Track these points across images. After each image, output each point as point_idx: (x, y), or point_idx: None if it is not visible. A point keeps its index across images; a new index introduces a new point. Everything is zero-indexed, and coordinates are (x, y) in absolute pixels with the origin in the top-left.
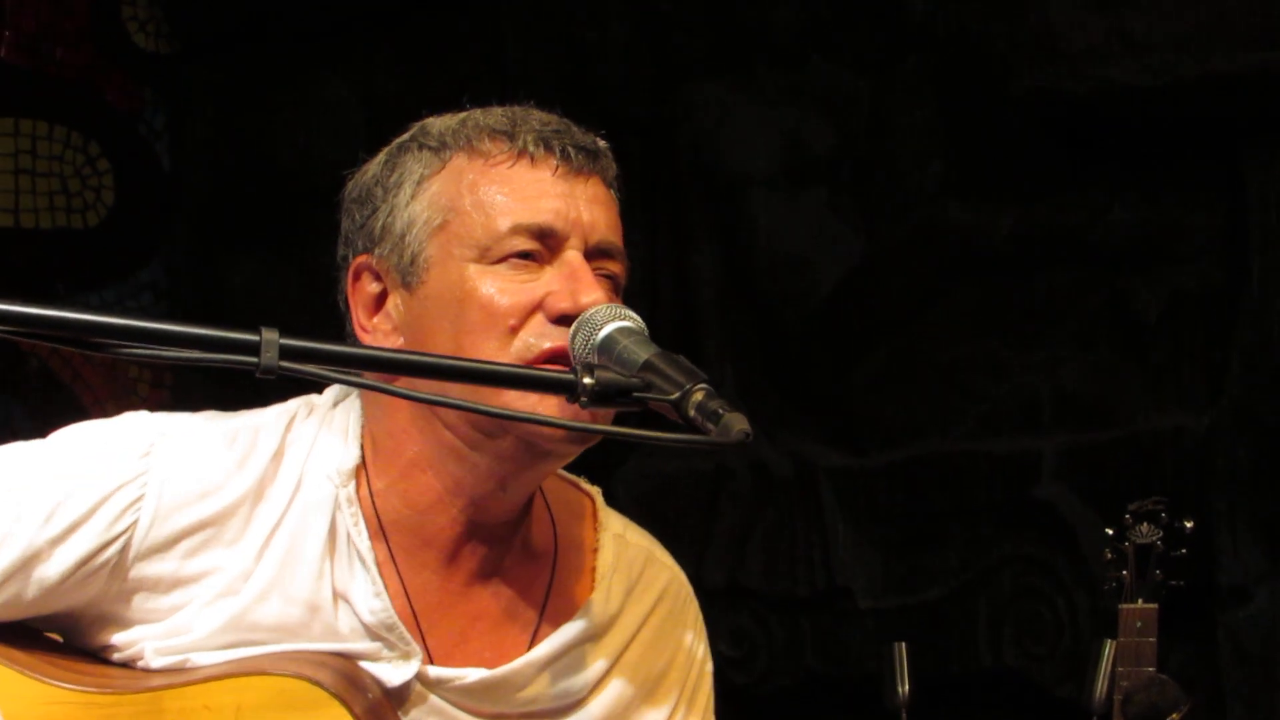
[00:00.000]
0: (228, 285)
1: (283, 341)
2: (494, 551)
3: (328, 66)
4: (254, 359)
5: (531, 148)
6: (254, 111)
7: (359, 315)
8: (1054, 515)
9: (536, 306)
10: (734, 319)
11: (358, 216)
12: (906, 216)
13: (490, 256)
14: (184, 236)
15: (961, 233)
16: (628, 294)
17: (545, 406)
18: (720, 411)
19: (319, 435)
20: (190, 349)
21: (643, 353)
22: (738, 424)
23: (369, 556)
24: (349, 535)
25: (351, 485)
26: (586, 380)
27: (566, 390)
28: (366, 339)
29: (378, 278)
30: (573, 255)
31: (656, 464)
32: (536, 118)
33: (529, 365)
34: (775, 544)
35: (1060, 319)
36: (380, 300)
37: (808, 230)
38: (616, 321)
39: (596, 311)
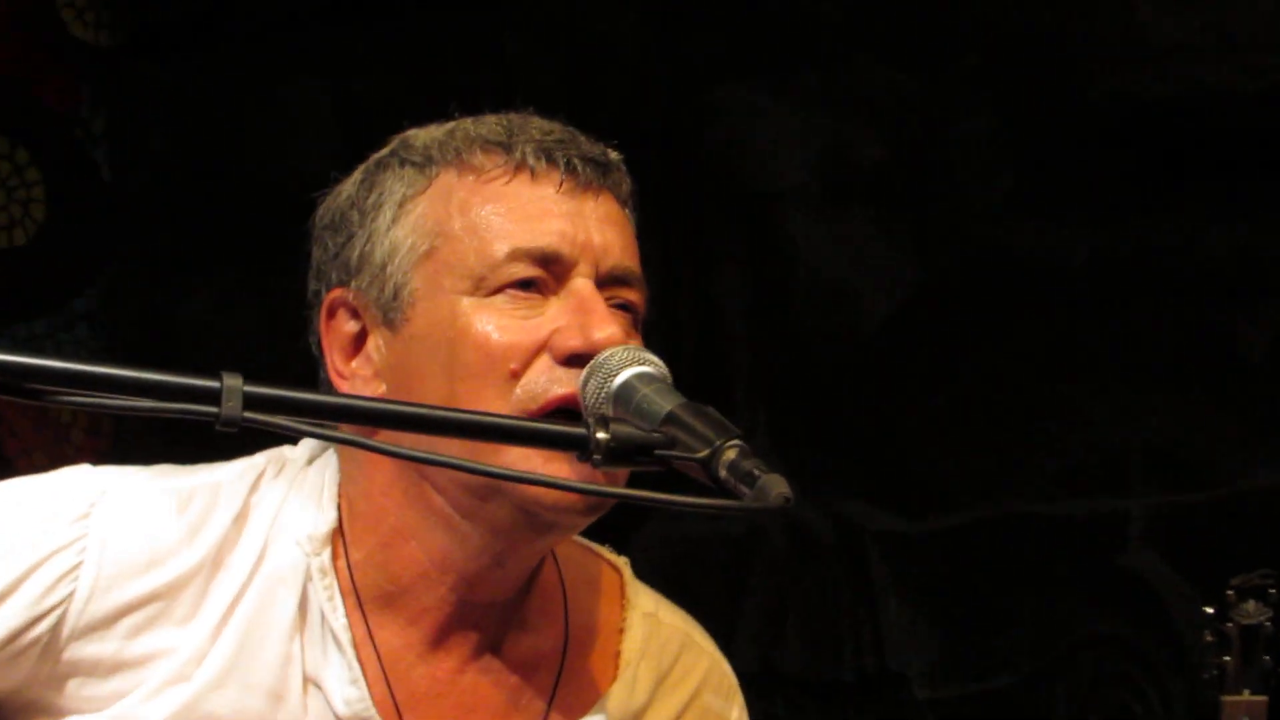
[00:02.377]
0: (179, 318)
1: (247, 389)
2: (491, 632)
3: (298, 64)
4: (213, 409)
5: (531, 160)
6: (211, 115)
7: (334, 359)
8: (1143, 589)
9: (541, 346)
10: (766, 358)
11: (330, 245)
12: (968, 239)
13: (486, 287)
14: (126, 259)
15: (1032, 259)
16: (642, 331)
17: (552, 468)
18: (756, 473)
19: (289, 496)
20: (138, 397)
21: (666, 403)
22: (776, 487)
23: (344, 636)
24: (322, 611)
25: (326, 554)
26: (600, 435)
27: (577, 447)
28: (344, 386)
29: (355, 315)
30: (582, 284)
31: (679, 528)
32: (536, 126)
33: (533, 417)
34: (816, 621)
35: (1148, 359)
36: (359, 341)
37: (852, 255)
38: (635, 366)
39: (611, 354)
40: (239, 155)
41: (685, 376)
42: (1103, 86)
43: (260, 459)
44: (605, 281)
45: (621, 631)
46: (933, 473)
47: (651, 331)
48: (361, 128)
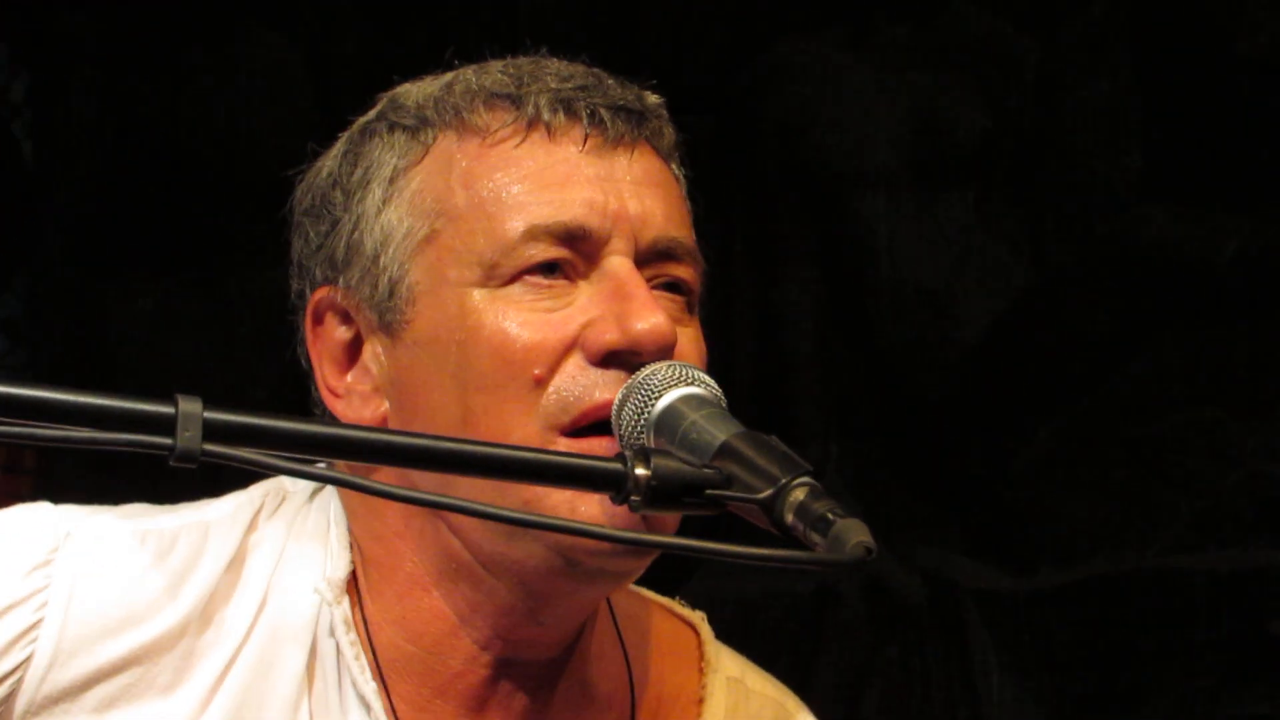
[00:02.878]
0: (117, 326)
1: (208, 415)
2: (536, 702)
3: (260, 15)
4: (166, 440)
5: (547, 115)
6: (157, 78)
7: (325, 373)
8: None
9: (571, 344)
10: (841, 376)
11: (313, 235)
12: (1090, 231)
13: (500, 275)
14: (54, 256)
15: (1169, 254)
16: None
17: (586, 506)
18: (831, 517)
19: (290, 536)
20: (72, 425)
21: (719, 432)
22: (855, 535)
23: (376, 703)
24: (341, 674)
25: (346, 603)
26: (640, 472)
27: (611, 486)
28: (338, 406)
29: (347, 318)
30: (617, 263)
31: (733, 584)
32: (551, 72)
33: (568, 432)
34: (901, 695)
35: None
36: (354, 349)
37: (948, 250)
38: (682, 387)
39: (654, 371)
40: (189, 129)
41: (742, 399)
42: (1254, 39)
43: (256, 493)
44: (647, 257)
45: (700, 701)
46: (1044, 519)
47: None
48: (341, 93)
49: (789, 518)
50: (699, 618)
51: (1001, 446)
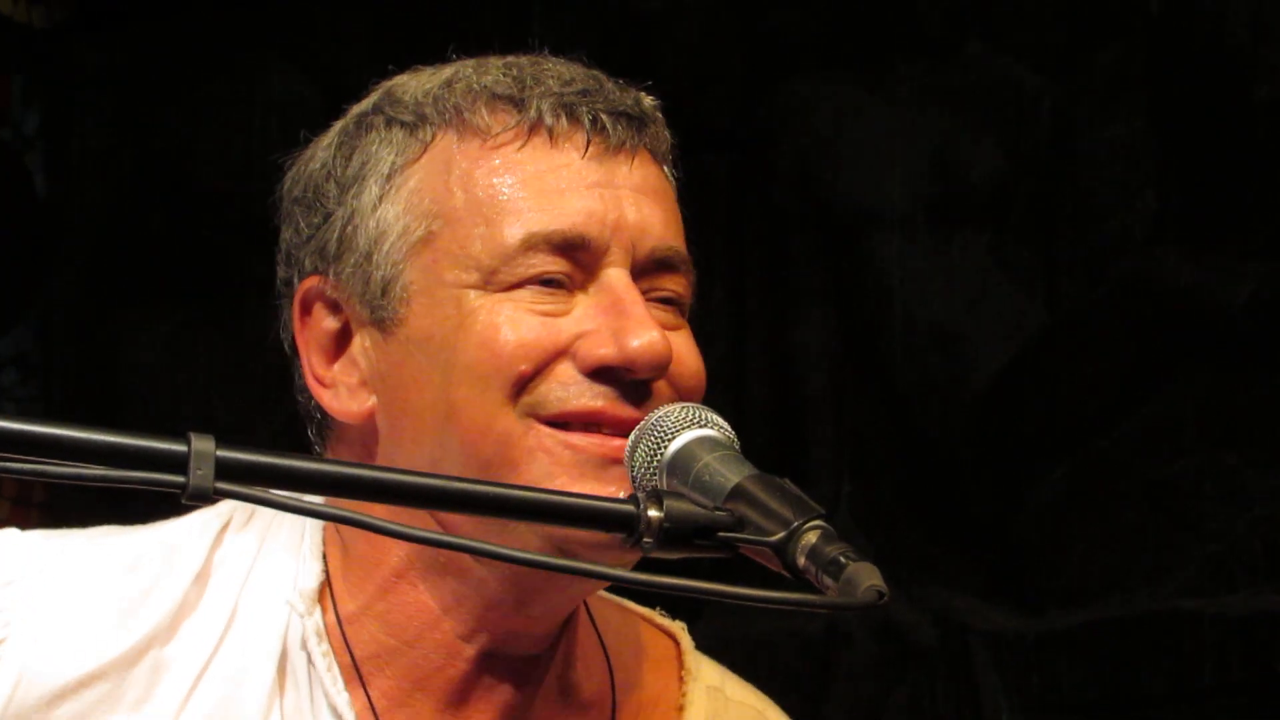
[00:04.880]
0: (129, 359)
1: (220, 453)
2: (518, 697)
3: (277, 49)
4: (179, 478)
5: (549, 119)
6: (169, 112)
7: (312, 362)
8: None
9: (563, 350)
10: (854, 416)
11: (303, 225)
12: (1105, 273)
13: (499, 282)
14: (66, 289)
15: (1183, 298)
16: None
17: (575, 485)
18: (843, 560)
19: (262, 549)
20: (84, 463)
21: (732, 474)
22: (868, 578)
23: (349, 714)
24: (313, 685)
25: (318, 613)
26: (652, 514)
27: (623, 527)
28: (325, 396)
29: (335, 308)
30: (615, 276)
31: (742, 625)
32: (553, 74)
33: (546, 421)
34: None
35: None
36: (341, 339)
37: (962, 290)
38: (695, 429)
39: (666, 413)
40: (202, 163)
41: (755, 437)
42: (1273, 83)
43: (224, 507)
44: (645, 268)
45: (681, 709)
46: (1055, 561)
47: (715, 384)
48: None
49: (801, 560)
50: (679, 627)
51: (1013, 488)
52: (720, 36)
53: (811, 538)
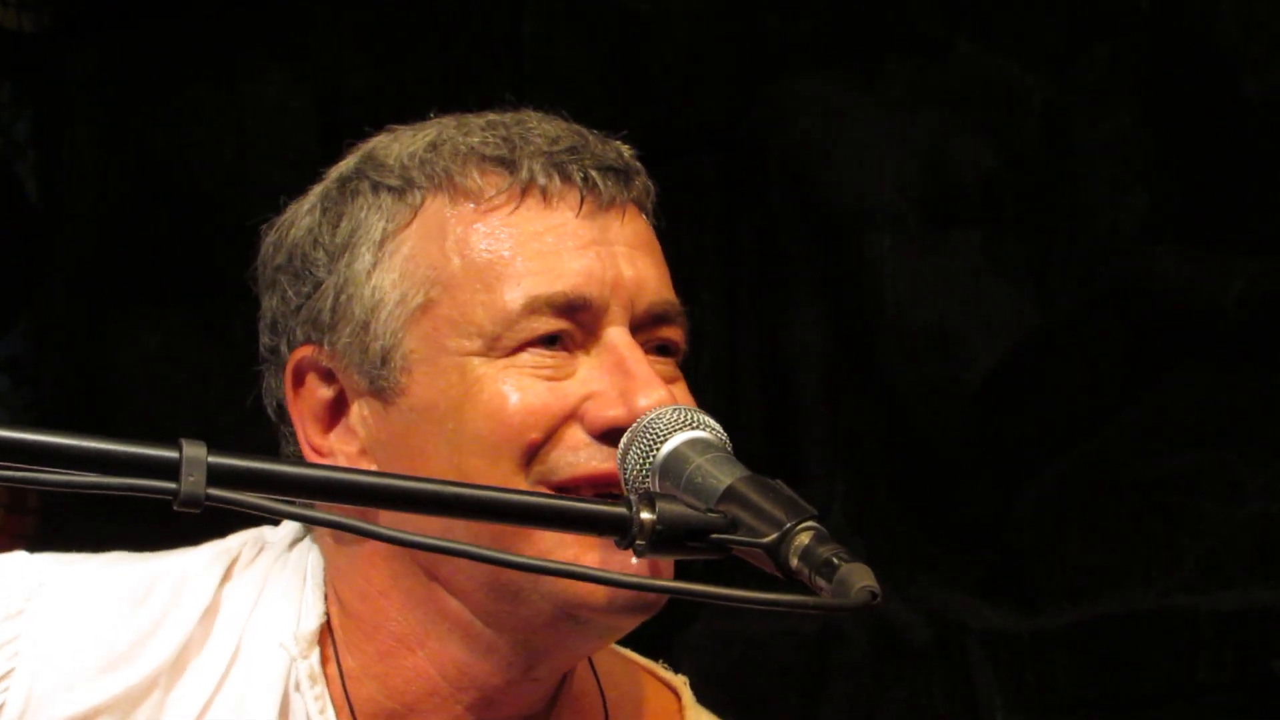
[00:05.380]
0: (121, 364)
1: (212, 460)
2: None
3: (269, 55)
4: (171, 485)
5: (542, 179)
6: (161, 117)
7: (308, 432)
8: None
9: (570, 414)
10: (847, 416)
11: (291, 293)
12: (1097, 271)
13: (502, 347)
14: (58, 295)
15: (1176, 295)
16: (695, 382)
17: (586, 556)
18: (836, 561)
19: (266, 588)
20: (76, 470)
21: (724, 476)
22: (861, 579)
23: None
24: None
25: (315, 656)
26: (645, 516)
27: (616, 530)
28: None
29: (329, 378)
30: (617, 335)
31: (737, 625)
32: (539, 132)
33: (563, 488)
34: None
35: None
36: (336, 408)
37: (955, 289)
38: (686, 431)
39: (658, 415)
40: (193, 168)
41: (748, 440)
42: (1262, 80)
43: (234, 542)
44: (643, 323)
45: None
46: (1049, 559)
47: (707, 385)
48: (346, 133)
49: (794, 562)
50: (680, 681)
51: (1007, 486)
52: (712, 37)
53: (804, 539)
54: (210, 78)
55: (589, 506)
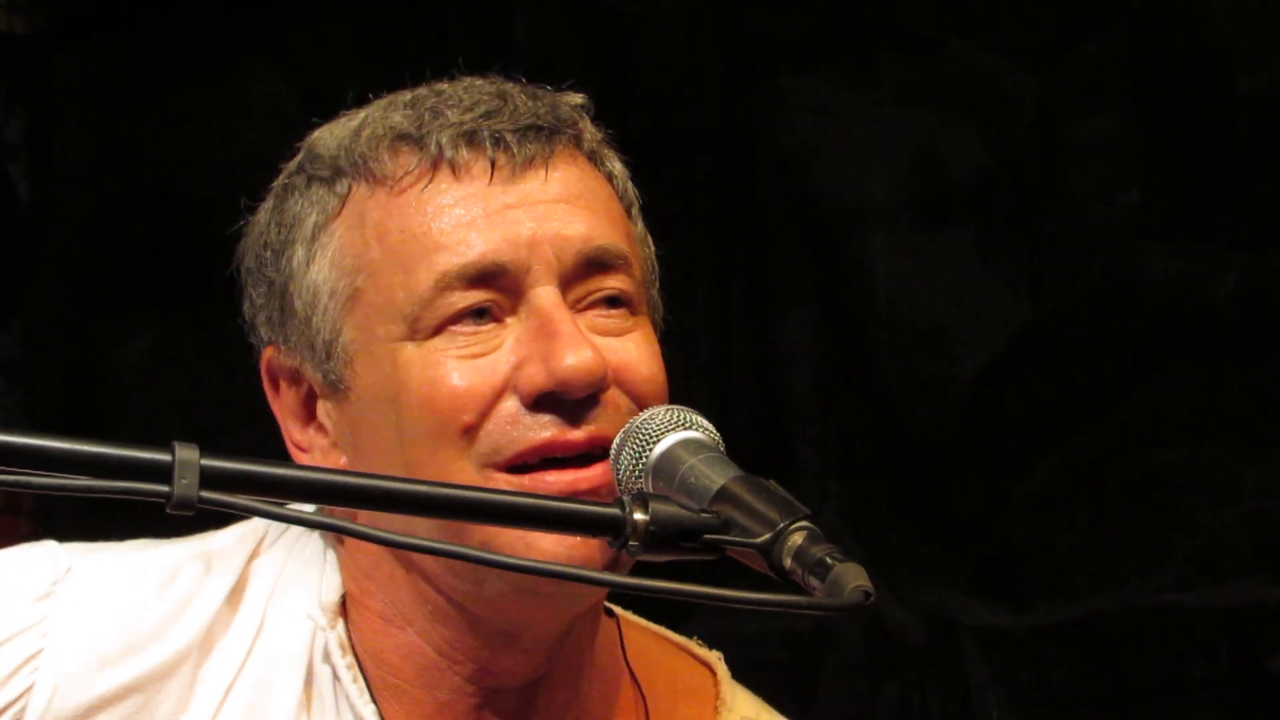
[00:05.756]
0: (114, 365)
1: (205, 462)
2: (531, 716)
3: (256, 54)
4: (164, 487)
5: (450, 152)
6: (152, 118)
7: (290, 429)
8: None
9: (503, 388)
10: (840, 414)
11: (255, 295)
12: (1088, 268)
13: (424, 328)
14: (49, 297)
15: (1167, 291)
16: (688, 380)
17: (543, 544)
18: (829, 561)
19: (288, 563)
20: (69, 474)
21: (717, 476)
22: (854, 579)
23: None
24: (338, 698)
25: (340, 627)
26: (638, 517)
27: (609, 531)
28: (304, 460)
29: (295, 376)
30: (542, 295)
31: (731, 623)
32: (453, 101)
33: (504, 468)
34: None
35: None
36: (309, 404)
37: (946, 287)
38: (679, 431)
39: (651, 416)
40: (185, 169)
41: (741, 439)
42: (1253, 76)
43: (260, 522)
44: (576, 275)
45: None
46: (1042, 556)
47: (701, 383)
48: None
49: (787, 562)
50: (715, 657)
51: (1000, 484)
52: (701, 36)
53: (797, 539)
54: (201, 79)
55: (581, 508)
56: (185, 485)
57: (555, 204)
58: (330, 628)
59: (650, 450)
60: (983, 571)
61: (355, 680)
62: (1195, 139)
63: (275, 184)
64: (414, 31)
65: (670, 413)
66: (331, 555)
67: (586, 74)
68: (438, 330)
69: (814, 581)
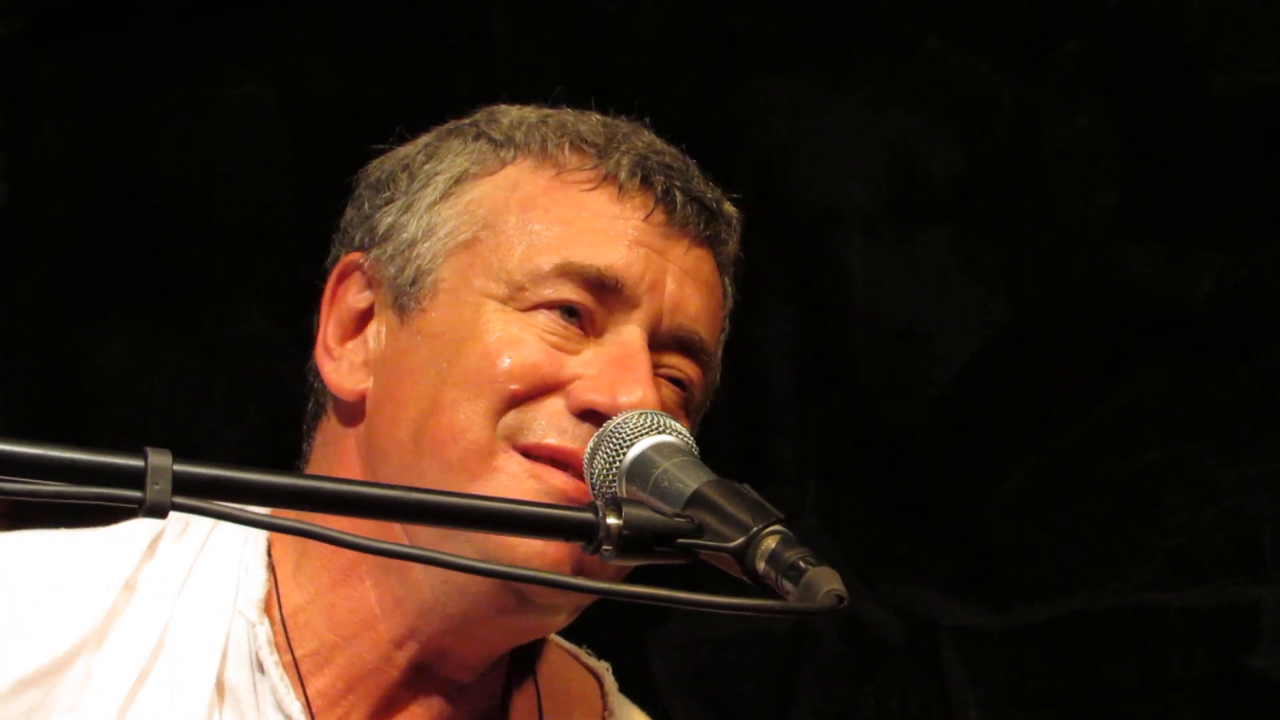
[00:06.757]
0: (91, 369)
1: (177, 468)
2: (444, 717)
3: (236, 56)
4: (136, 493)
5: (624, 175)
6: (131, 120)
7: (329, 332)
8: (1278, 695)
9: (559, 385)
10: (818, 415)
11: (366, 204)
12: (1066, 268)
13: (523, 300)
14: (25, 301)
15: (1145, 291)
16: None
17: (550, 550)
18: (802, 565)
19: (200, 557)
20: (40, 479)
21: (691, 480)
22: (827, 583)
23: (300, 718)
24: (257, 691)
25: (268, 624)
26: (612, 521)
27: (582, 535)
28: (327, 366)
29: (367, 286)
30: (632, 333)
31: (709, 626)
32: (645, 140)
33: (520, 450)
34: None
35: None
36: (362, 320)
37: (925, 288)
38: (653, 435)
39: (626, 419)
40: (163, 171)
41: (718, 440)
42: (1229, 76)
43: None
44: (665, 343)
45: None
46: (1020, 556)
47: None
48: (315, 136)
49: (761, 566)
50: (604, 667)
51: (978, 484)
52: (680, 36)
53: (771, 543)
54: (178, 81)
55: (555, 512)
56: (158, 491)
57: (685, 275)
58: (260, 623)
59: (624, 454)
60: (961, 571)
61: (283, 677)
62: (1173, 139)
63: (439, 127)
64: (390, 32)
65: (644, 417)
66: (253, 548)
67: (564, 72)
68: (533, 308)
69: (787, 585)
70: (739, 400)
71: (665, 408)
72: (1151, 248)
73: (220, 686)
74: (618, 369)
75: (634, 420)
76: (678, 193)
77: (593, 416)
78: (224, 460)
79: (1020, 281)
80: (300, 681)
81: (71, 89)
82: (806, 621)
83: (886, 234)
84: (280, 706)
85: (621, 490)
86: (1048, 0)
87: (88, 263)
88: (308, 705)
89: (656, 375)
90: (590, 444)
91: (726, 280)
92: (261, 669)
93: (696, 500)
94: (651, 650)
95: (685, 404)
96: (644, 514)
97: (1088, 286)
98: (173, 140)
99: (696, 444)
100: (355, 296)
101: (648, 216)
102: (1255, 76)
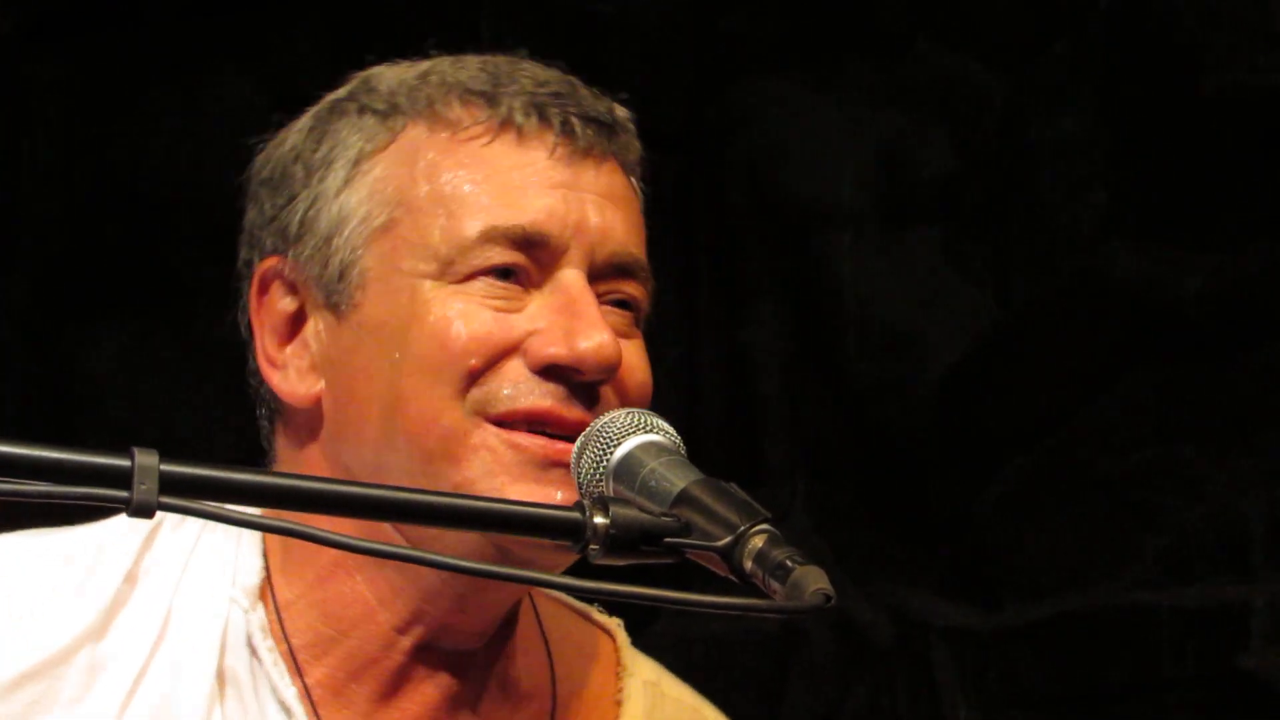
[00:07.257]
0: (83, 371)
1: (164, 468)
2: (454, 690)
3: (226, 55)
4: (123, 493)
5: (520, 118)
6: (121, 122)
7: (265, 342)
8: (1268, 694)
9: (514, 347)
10: (808, 415)
11: (267, 205)
12: (1056, 268)
13: (455, 273)
14: (18, 301)
15: (1134, 292)
16: (656, 382)
17: (511, 488)
18: (789, 564)
19: (197, 547)
20: (27, 479)
21: (678, 479)
22: (814, 582)
23: (296, 705)
24: (257, 681)
25: (261, 609)
26: (598, 520)
27: (569, 535)
28: (275, 377)
29: (292, 290)
30: (571, 276)
31: (699, 626)
32: (528, 74)
33: (493, 420)
34: None
35: (1276, 415)
36: (296, 321)
37: (915, 288)
38: (640, 434)
39: (612, 419)
40: (154, 173)
41: (708, 438)
42: (1219, 77)
43: None
44: (603, 272)
45: (619, 704)
46: (1011, 555)
47: (667, 384)
48: None
49: (748, 565)
50: (615, 624)
51: (969, 484)
52: (671, 37)
53: (758, 542)
54: (170, 81)
55: (542, 512)
56: (145, 491)
57: (603, 199)
58: (252, 610)
59: (611, 453)
60: (952, 571)
61: (277, 663)
62: (1162, 140)
63: (317, 107)
64: (381, 32)
65: (631, 416)
66: (248, 537)
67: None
68: (467, 278)
69: (775, 584)
70: (729, 400)
71: (619, 333)
72: (1142, 248)
73: (221, 675)
74: (568, 316)
75: (621, 419)
76: (575, 120)
77: (554, 370)
78: (217, 461)
79: (1010, 281)
80: (298, 671)
81: (65, 90)
82: (794, 620)
83: (876, 234)
84: (275, 693)
85: (609, 489)
86: (1038, 1)
87: (81, 264)
88: (306, 693)
89: (602, 305)
90: (577, 443)
91: (636, 181)
92: (257, 656)
93: (684, 499)
94: (641, 650)
95: (635, 322)
96: (631, 513)
97: (1078, 286)
98: (165, 141)
99: (685, 444)
100: (281, 301)
101: (552, 153)
102: (1245, 77)
